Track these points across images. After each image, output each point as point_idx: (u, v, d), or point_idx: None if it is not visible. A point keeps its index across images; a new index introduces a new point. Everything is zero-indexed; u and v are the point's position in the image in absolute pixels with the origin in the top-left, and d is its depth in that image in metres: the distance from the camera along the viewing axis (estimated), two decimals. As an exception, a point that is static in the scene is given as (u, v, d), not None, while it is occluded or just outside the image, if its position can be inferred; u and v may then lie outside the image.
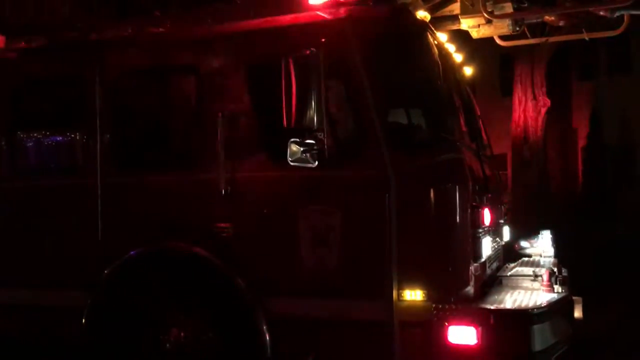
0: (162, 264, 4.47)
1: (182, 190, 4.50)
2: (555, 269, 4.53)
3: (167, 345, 4.39)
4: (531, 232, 5.95)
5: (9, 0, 5.77)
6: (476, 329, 3.79)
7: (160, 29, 4.78)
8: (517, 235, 6.19)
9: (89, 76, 4.78)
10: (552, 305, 4.04)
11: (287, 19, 4.31)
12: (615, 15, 4.84)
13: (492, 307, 3.93)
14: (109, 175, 4.69)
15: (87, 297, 4.54)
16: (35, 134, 5.09)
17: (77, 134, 4.89)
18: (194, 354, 4.31)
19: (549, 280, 4.35)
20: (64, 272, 4.70)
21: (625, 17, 5.01)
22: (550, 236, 5.68)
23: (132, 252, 4.50)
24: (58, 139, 4.99)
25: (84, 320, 4.55)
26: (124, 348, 4.46)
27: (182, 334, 4.38)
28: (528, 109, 10.68)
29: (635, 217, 17.30)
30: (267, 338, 4.17)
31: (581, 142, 20.07)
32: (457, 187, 4.01)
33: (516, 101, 10.99)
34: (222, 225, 4.35)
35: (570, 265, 5.16)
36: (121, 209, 4.65)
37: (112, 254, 4.54)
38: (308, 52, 3.90)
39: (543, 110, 10.75)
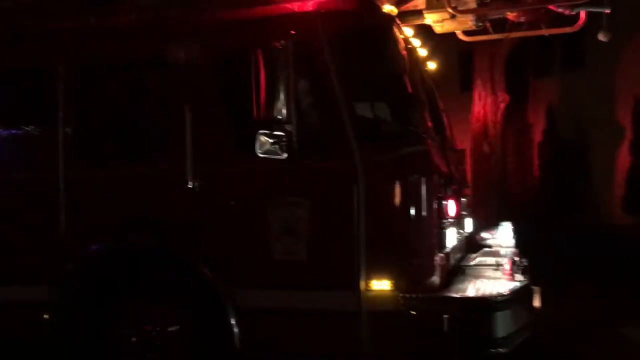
0: (128, 258, 4.43)
1: (150, 183, 4.46)
2: (517, 259, 4.67)
3: (134, 338, 4.35)
4: (491, 224, 6.10)
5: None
6: (442, 317, 3.88)
7: (126, 19, 4.71)
8: (478, 227, 6.34)
9: (51, 66, 4.68)
10: (514, 293, 4.17)
11: (255, 11, 4.32)
12: (573, 12, 5.00)
13: (456, 296, 4.04)
14: (72, 169, 4.61)
15: (51, 292, 4.46)
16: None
17: (39, 126, 4.78)
18: (163, 346, 4.29)
19: (511, 269, 4.49)
20: (27, 267, 4.60)
21: (583, 14, 5.18)
22: (511, 227, 5.84)
23: (96, 246, 4.45)
24: (19, 131, 4.86)
25: (47, 316, 4.47)
26: (90, 343, 4.41)
27: (149, 327, 4.35)
28: (488, 104, 10.94)
29: (589, 208, 17.91)
30: (237, 330, 4.19)
31: (538, 138, 20.59)
32: (423, 179, 4.10)
33: (476, 96, 11.24)
34: (190, 218, 4.33)
35: (528, 256, 5.32)
36: (85, 202, 4.57)
37: (76, 248, 4.47)
38: (276, 44, 3.92)
39: (502, 105, 11.03)
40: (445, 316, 3.87)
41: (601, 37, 4.89)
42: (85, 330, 4.42)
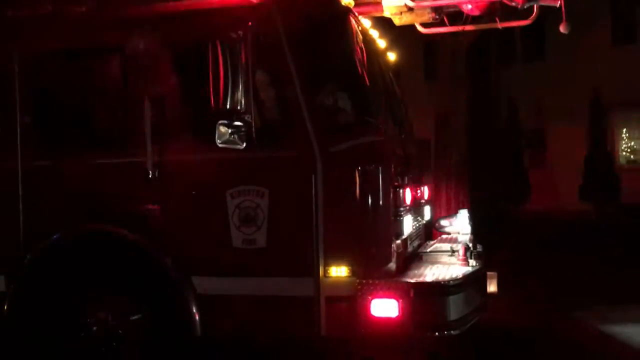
0: (87, 247, 4.44)
1: (108, 173, 4.47)
2: (471, 245, 4.83)
3: (94, 328, 4.37)
4: (453, 212, 6.25)
5: None
6: (397, 301, 4.01)
7: (83, 7, 4.68)
8: (440, 215, 6.47)
9: (6, 55, 4.63)
10: (466, 278, 4.32)
11: (213, 1, 4.34)
12: (525, 7, 5.15)
13: (411, 281, 4.17)
14: (30, 159, 4.58)
15: (9, 283, 4.45)
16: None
17: (-4, 116, 4.73)
18: (125, 336, 4.32)
19: (465, 254, 4.65)
20: None
21: (535, 8, 5.33)
22: (467, 215, 6.00)
23: (55, 236, 4.44)
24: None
25: (6, 307, 4.46)
26: (51, 333, 4.41)
27: (109, 317, 4.38)
28: (450, 94, 11.11)
29: (548, 195, 18.38)
30: (197, 317, 4.25)
31: (499, 127, 20.98)
32: (379, 168, 4.20)
33: (439, 87, 11.40)
34: (150, 207, 4.36)
35: (487, 242, 5.49)
36: (44, 193, 4.56)
37: (34, 239, 4.46)
38: (234, 34, 3.96)
39: (464, 96, 11.21)
40: (400, 300, 3.99)
41: (562, 29, 5.02)
42: (46, 321, 4.42)
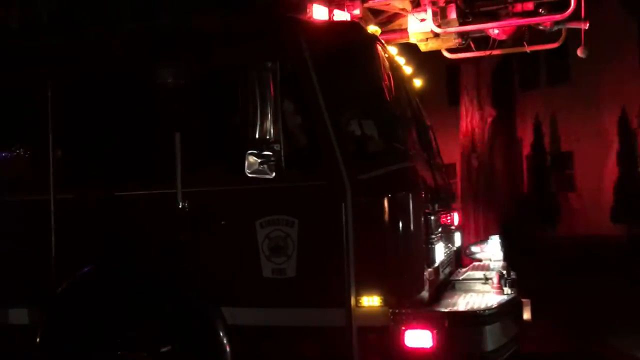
0: (117, 279, 4.44)
1: (139, 204, 4.48)
2: (505, 272, 4.72)
3: (126, 360, 4.36)
4: (481, 238, 6.15)
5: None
6: (431, 332, 3.90)
7: (112, 41, 4.77)
8: (467, 241, 6.37)
9: (40, 89, 4.71)
10: (502, 307, 4.21)
11: (242, 32, 4.38)
12: (553, 29, 5.12)
13: (446, 310, 4.07)
14: (62, 191, 4.63)
15: (41, 315, 4.46)
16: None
17: (29, 149, 4.81)
18: (154, 367, 4.30)
19: (499, 282, 4.54)
20: (17, 290, 4.60)
21: (563, 31, 5.30)
22: (499, 241, 5.89)
23: (86, 269, 4.46)
24: (8, 154, 4.89)
25: (38, 339, 4.46)
26: (81, 365, 4.40)
27: (141, 349, 4.35)
28: (475, 118, 11.04)
29: (578, 219, 18.05)
30: (227, 349, 4.20)
31: (525, 150, 20.80)
32: (410, 195, 4.15)
33: (463, 111, 11.35)
34: (180, 238, 4.35)
35: (517, 269, 5.37)
36: (75, 224, 4.59)
37: (66, 271, 4.48)
38: (263, 65, 3.98)
39: (489, 119, 11.13)
40: (435, 331, 3.90)
41: (580, 53, 5.00)
42: (77, 354, 4.41)
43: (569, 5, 4.77)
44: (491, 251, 5.84)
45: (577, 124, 19.15)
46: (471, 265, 5.69)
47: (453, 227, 5.62)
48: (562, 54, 16.54)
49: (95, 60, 4.70)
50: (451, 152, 11.41)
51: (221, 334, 4.21)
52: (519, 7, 4.94)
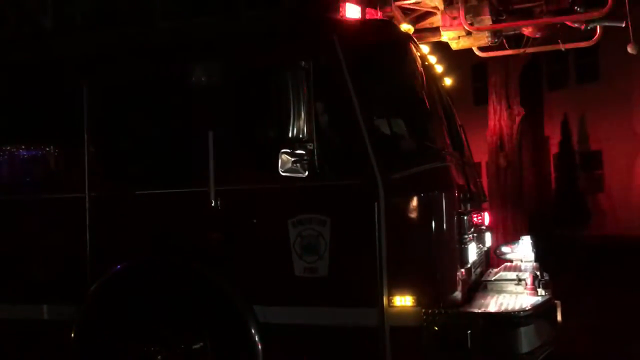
0: (151, 277, 4.48)
1: (173, 203, 4.52)
2: (538, 273, 4.66)
3: (159, 357, 4.39)
4: (509, 238, 6.08)
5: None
6: (465, 332, 3.88)
7: (148, 43, 4.81)
8: (496, 241, 6.30)
9: (76, 89, 4.76)
10: (536, 308, 4.15)
11: (276, 33, 4.39)
12: (589, 27, 5.03)
13: (479, 311, 4.04)
14: (97, 189, 4.68)
15: (76, 312, 4.53)
16: (20, 148, 5.05)
17: (64, 147, 4.88)
18: (187, 365, 4.33)
19: (533, 283, 4.48)
20: (53, 286, 4.67)
21: (598, 29, 5.21)
22: (530, 241, 5.82)
23: (120, 266, 4.51)
24: (44, 152, 4.97)
25: (73, 335, 4.53)
26: (115, 361, 4.45)
27: (173, 346, 4.39)
28: (503, 117, 10.92)
29: (607, 220, 17.76)
30: (260, 347, 4.21)
31: (553, 150, 20.51)
32: (443, 194, 4.12)
33: (491, 110, 11.22)
34: (213, 237, 4.38)
35: (548, 269, 5.30)
36: (110, 222, 4.64)
37: (101, 268, 4.54)
38: (297, 65, 3.98)
39: (518, 118, 10.99)
40: (469, 332, 3.86)
41: (630, 49, 4.89)
42: (111, 351, 4.47)
43: (605, 2, 4.68)
44: (522, 252, 5.77)
45: (606, 122, 18.83)
46: (502, 265, 5.62)
47: (484, 227, 5.57)
48: (592, 52, 16.29)
49: (136, 61, 4.74)
50: (476, 152, 11.32)
51: (253, 332, 4.23)
52: (553, 5, 4.87)
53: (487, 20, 4.91)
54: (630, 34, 4.80)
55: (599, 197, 18.91)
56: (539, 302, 4.27)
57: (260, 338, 4.22)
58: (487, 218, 5.78)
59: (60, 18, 5.84)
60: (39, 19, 5.96)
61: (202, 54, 4.54)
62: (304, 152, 3.96)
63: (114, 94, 4.75)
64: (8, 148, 5.04)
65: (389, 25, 4.52)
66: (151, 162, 4.66)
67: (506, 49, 5.59)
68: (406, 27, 4.64)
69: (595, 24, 4.99)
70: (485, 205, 5.96)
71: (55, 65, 4.94)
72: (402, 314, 4.01)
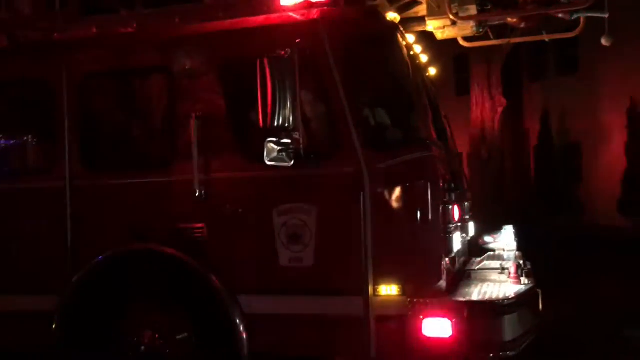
0: (133, 267, 4.44)
1: (155, 191, 4.47)
2: (521, 262, 4.70)
3: (143, 347, 4.36)
4: (489, 228, 6.12)
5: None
6: (450, 321, 3.91)
7: (128, 29, 4.74)
8: (478, 231, 6.36)
9: (54, 77, 4.69)
10: (520, 297, 4.20)
11: (259, 20, 4.35)
12: (572, 18, 5.05)
13: (464, 300, 4.06)
14: (78, 177, 4.61)
15: (57, 302, 4.46)
16: (-1, 137, 4.97)
17: (44, 136, 4.80)
18: (172, 354, 4.30)
19: (516, 272, 4.52)
20: (34, 276, 4.60)
21: (582, 20, 5.24)
22: (513, 231, 5.87)
23: (101, 255, 4.45)
24: (24, 141, 4.88)
25: (54, 326, 4.47)
26: (99, 353, 4.40)
27: (156, 335, 4.36)
28: (485, 108, 11.01)
29: (585, 210, 18.00)
30: (244, 336, 4.20)
31: (533, 141, 20.70)
32: (428, 184, 4.13)
33: (474, 101, 11.30)
34: (197, 225, 4.35)
35: (529, 258, 5.35)
36: (91, 211, 4.58)
37: (82, 257, 4.48)
38: (282, 53, 3.94)
39: (499, 109, 11.10)
40: (453, 320, 3.89)
41: (604, 41, 4.93)
42: (93, 340, 4.42)
43: (590, -7, 4.71)
44: (505, 241, 5.81)
45: (585, 114, 19.03)
46: (485, 255, 5.66)
47: (467, 217, 5.60)
48: (571, 44, 16.42)
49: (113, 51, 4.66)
50: (458, 142, 11.39)
51: (237, 322, 4.21)
52: (539, -5, 4.89)
53: (472, 10, 4.90)
54: (606, 25, 4.84)
55: (577, 188, 19.15)
56: (523, 290, 4.32)
57: (245, 328, 4.21)
58: (469, 208, 5.81)
59: (39, 3, 5.71)
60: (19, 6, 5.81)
61: (184, 42, 4.47)
62: (289, 141, 3.93)
63: (93, 82, 4.69)
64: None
65: (375, 13, 4.48)
66: (134, 151, 4.61)
67: (491, 39, 5.60)
68: (392, 15, 4.62)
69: (579, 15, 5.02)
70: (468, 195, 5.99)
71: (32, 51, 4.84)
72: (388, 302, 4.03)
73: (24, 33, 5.04)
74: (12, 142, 4.97)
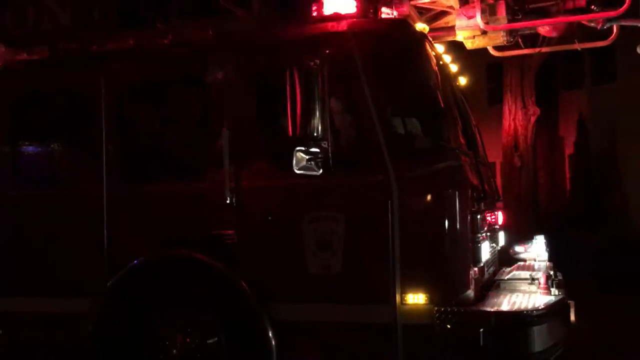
0: (167, 272, 4.54)
1: (188, 200, 4.57)
2: (552, 272, 4.65)
3: (174, 351, 4.45)
4: (523, 237, 6.06)
5: (9, 9, 5.78)
6: (478, 331, 3.89)
7: (163, 41, 4.87)
8: (510, 241, 6.31)
9: (93, 87, 4.84)
10: (550, 308, 4.15)
11: (290, 31, 4.43)
12: (605, 27, 5.00)
13: (493, 310, 4.04)
14: (115, 186, 4.75)
15: (94, 305, 4.59)
16: (39, 146, 5.14)
17: (83, 144, 4.96)
18: (202, 358, 4.37)
19: (546, 283, 4.48)
20: (72, 280, 4.75)
21: (615, 28, 5.18)
22: (544, 241, 5.80)
23: (136, 261, 4.56)
24: (63, 150, 5.05)
25: (90, 328, 4.60)
26: (131, 355, 4.51)
27: (188, 340, 4.45)
28: (518, 117, 10.88)
29: (622, 220, 17.58)
30: (273, 343, 4.25)
31: (568, 150, 20.34)
32: (457, 193, 4.13)
33: (506, 110, 11.18)
34: (228, 233, 4.42)
35: (561, 269, 5.28)
36: (127, 218, 4.71)
37: (118, 263, 4.60)
38: (312, 63, 4.00)
39: (533, 118, 10.96)
40: (482, 330, 3.87)
41: (639, 50, 4.86)
42: (127, 343, 4.53)
43: (623, 1, 4.66)
44: (536, 251, 5.75)
45: (622, 123, 18.64)
46: (516, 265, 5.62)
47: (498, 227, 5.56)
48: (608, 52, 16.12)
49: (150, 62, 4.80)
50: (490, 151, 11.28)
51: (267, 328, 4.27)
52: (570, 4, 4.85)
53: (502, 19, 4.90)
54: None
55: (614, 197, 18.72)
56: (552, 301, 4.27)
57: (274, 334, 4.26)
58: (500, 217, 5.77)
59: (78, 15, 5.89)
60: (59, 17, 6.01)
61: (217, 53, 4.57)
62: (318, 150, 3.99)
63: (131, 93, 4.83)
64: (27, 148, 5.13)
65: (404, 24, 4.52)
66: (168, 160, 4.72)
67: (521, 49, 5.57)
68: (421, 26, 4.65)
69: (611, 23, 4.97)
70: (499, 204, 5.95)
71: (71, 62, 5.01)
72: (415, 311, 4.03)
73: (64, 44, 5.21)
74: (53, 150, 5.14)
